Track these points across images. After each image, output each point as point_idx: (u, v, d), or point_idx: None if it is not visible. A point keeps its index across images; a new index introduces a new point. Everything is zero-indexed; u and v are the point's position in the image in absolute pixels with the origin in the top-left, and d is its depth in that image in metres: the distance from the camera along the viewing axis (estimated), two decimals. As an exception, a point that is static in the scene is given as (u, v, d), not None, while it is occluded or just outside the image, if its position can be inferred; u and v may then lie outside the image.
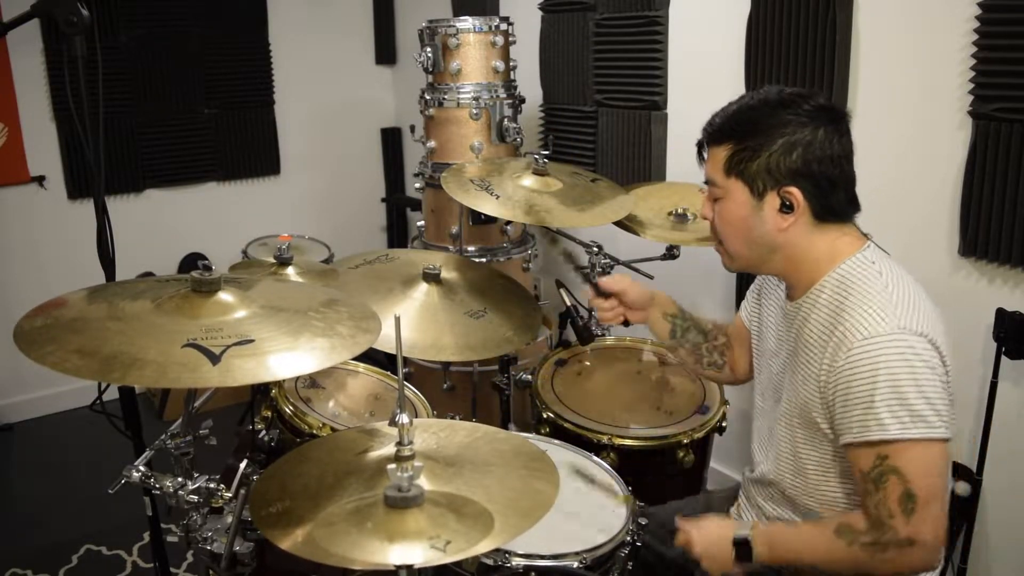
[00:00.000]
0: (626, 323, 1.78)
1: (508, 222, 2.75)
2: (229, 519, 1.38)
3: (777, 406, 1.46)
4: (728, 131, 1.34)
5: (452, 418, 1.62)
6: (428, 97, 2.75)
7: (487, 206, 2.10)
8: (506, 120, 2.72)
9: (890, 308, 1.23)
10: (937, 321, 1.25)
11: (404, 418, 1.13)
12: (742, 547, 1.32)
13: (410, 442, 1.13)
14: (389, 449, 1.23)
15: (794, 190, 1.29)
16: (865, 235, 1.37)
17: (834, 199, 1.31)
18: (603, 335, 2.36)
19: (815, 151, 1.28)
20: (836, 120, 1.30)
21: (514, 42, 2.80)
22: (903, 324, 1.21)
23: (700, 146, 1.42)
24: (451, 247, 2.77)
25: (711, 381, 2.04)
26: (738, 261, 1.42)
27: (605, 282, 1.75)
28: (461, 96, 2.68)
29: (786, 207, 1.31)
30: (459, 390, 2.64)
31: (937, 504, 1.19)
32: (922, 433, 1.17)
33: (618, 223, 2.22)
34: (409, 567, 1.03)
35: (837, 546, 1.24)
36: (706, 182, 1.41)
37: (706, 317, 1.79)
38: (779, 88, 1.35)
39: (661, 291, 1.79)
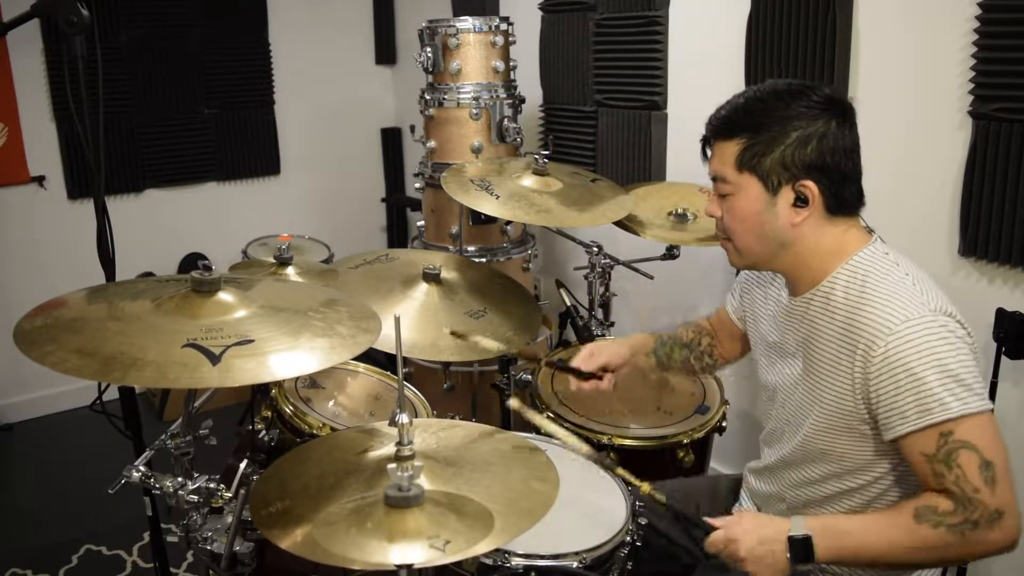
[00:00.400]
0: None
1: (508, 222, 2.75)
2: (229, 519, 1.38)
3: (783, 404, 1.45)
4: (739, 125, 1.32)
5: (452, 418, 1.62)
6: (428, 97, 2.75)
7: (487, 206, 2.10)
8: (506, 120, 2.73)
9: (917, 294, 1.23)
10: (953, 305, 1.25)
11: (404, 418, 1.13)
12: (800, 546, 1.22)
13: (410, 442, 1.13)
14: (389, 449, 1.23)
15: (809, 183, 1.28)
16: (869, 229, 1.36)
17: (847, 191, 1.30)
18: (603, 335, 2.36)
19: (829, 143, 1.27)
20: (845, 111, 1.30)
21: (514, 42, 2.80)
22: (934, 307, 1.21)
23: (705, 141, 1.39)
24: (451, 247, 2.77)
25: (712, 374, 2.03)
26: (748, 257, 1.40)
27: (581, 362, 1.70)
28: (461, 96, 2.68)
29: (801, 201, 1.29)
30: (459, 390, 2.64)
31: (1009, 474, 1.17)
32: (979, 406, 1.17)
33: (618, 223, 2.22)
34: (409, 567, 1.03)
35: (921, 531, 1.18)
36: (713, 178, 1.38)
37: (682, 327, 1.79)
38: (785, 80, 1.34)
39: (636, 335, 1.78)
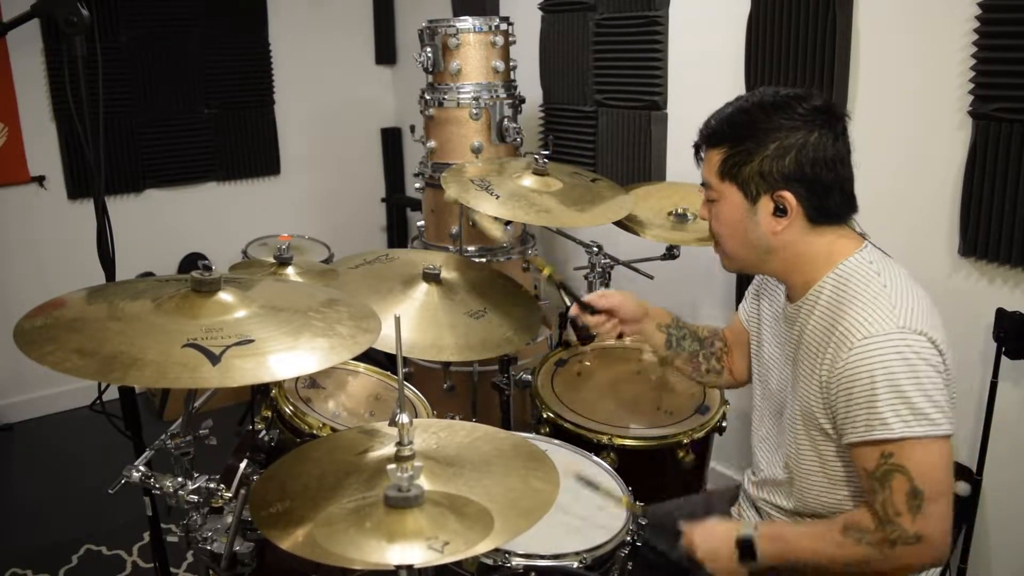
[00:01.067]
0: (620, 336, 1.74)
1: (508, 222, 2.75)
2: (229, 519, 1.38)
3: (779, 409, 1.46)
4: (722, 134, 1.34)
5: (452, 418, 1.62)
6: (428, 97, 2.75)
7: (487, 206, 2.10)
8: (506, 120, 2.72)
9: (888, 308, 1.23)
10: (936, 319, 1.25)
11: (404, 418, 1.13)
12: (746, 547, 1.32)
13: (410, 442, 1.13)
14: (389, 449, 1.23)
15: (787, 194, 1.29)
16: (862, 235, 1.37)
17: (829, 202, 1.31)
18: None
19: (808, 154, 1.27)
20: (832, 122, 1.29)
21: (514, 42, 2.80)
22: (902, 323, 1.21)
23: (697, 148, 1.42)
24: (451, 247, 2.77)
25: (712, 388, 2.02)
26: (735, 262, 1.43)
27: (592, 298, 1.70)
28: (461, 96, 2.68)
29: (779, 211, 1.31)
30: (459, 390, 2.64)
31: (943, 500, 1.20)
32: (925, 431, 1.17)
33: (618, 223, 2.22)
34: (409, 567, 1.03)
35: (845, 544, 1.25)
36: (702, 184, 1.41)
37: (702, 324, 1.78)
38: (775, 90, 1.34)
39: (656, 306, 1.76)
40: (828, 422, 1.29)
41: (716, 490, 1.86)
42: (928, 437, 1.18)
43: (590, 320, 1.70)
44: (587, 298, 1.71)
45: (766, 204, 1.31)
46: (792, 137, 1.27)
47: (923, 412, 1.17)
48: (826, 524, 1.32)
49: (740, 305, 1.69)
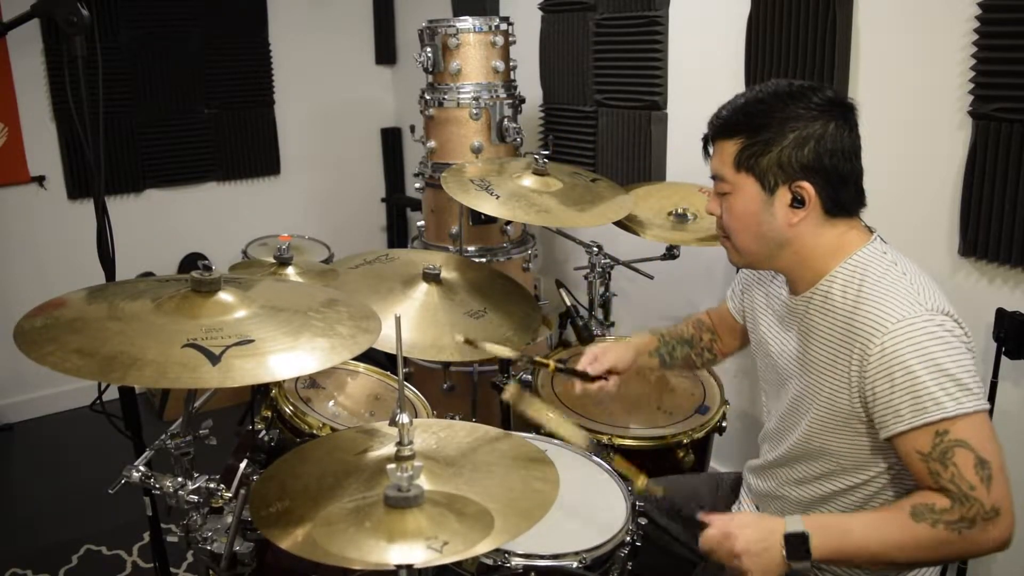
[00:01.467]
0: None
1: (508, 222, 2.75)
2: (229, 519, 1.38)
3: (782, 402, 1.45)
4: (738, 125, 1.33)
5: (452, 418, 1.62)
6: (428, 97, 2.75)
7: (487, 206, 2.10)
8: (506, 120, 2.73)
9: (914, 293, 1.23)
10: (951, 307, 1.25)
11: (404, 418, 1.13)
12: (796, 543, 1.20)
13: (410, 442, 1.13)
14: (389, 449, 1.23)
15: (806, 184, 1.28)
16: (870, 228, 1.37)
17: (845, 193, 1.31)
18: (603, 335, 2.36)
19: (827, 145, 1.27)
20: (846, 113, 1.30)
21: (514, 42, 2.80)
22: (930, 306, 1.21)
23: (706, 140, 1.40)
24: (451, 247, 2.77)
25: (711, 367, 2.02)
26: (746, 256, 1.41)
27: (592, 368, 1.69)
28: (461, 96, 2.68)
29: (797, 202, 1.30)
30: (459, 390, 2.64)
31: (1004, 473, 1.17)
32: (974, 406, 1.17)
33: (618, 223, 2.22)
34: (409, 567, 1.03)
35: (918, 530, 1.17)
36: (713, 177, 1.39)
37: (683, 324, 1.81)
38: (787, 81, 1.34)
39: (639, 335, 1.79)
40: (860, 420, 1.27)
41: (721, 473, 1.87)
42: (976, 412, 1.17)
43: (592, 387, 1.70)
44: (581, 367, 1.71)
45: (783, 195, 1.30)
46: (810, 127, 1.27)
47: (968, 387, 1.17)
48: (889, 511, 1.24)
49: (727, 295, 1.71)
